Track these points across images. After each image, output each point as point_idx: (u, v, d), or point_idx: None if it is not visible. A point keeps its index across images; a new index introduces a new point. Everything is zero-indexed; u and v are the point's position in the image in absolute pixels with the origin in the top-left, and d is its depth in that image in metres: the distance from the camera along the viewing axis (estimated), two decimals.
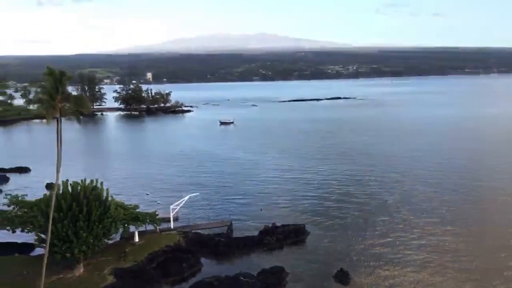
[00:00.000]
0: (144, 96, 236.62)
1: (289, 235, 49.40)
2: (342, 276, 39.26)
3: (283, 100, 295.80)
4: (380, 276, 40.13)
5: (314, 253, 45.99)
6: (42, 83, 37.94)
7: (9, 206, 47.68)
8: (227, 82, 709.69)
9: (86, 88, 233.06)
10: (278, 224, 51.58)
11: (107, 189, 43.16)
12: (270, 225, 51.34)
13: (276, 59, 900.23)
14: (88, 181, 42.66)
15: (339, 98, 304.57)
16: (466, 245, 46.68)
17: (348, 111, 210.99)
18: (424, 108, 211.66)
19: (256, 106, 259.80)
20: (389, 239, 48.50)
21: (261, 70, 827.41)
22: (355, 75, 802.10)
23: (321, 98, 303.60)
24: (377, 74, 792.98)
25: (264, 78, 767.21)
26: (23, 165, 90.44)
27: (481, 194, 64.71)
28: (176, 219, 53.99)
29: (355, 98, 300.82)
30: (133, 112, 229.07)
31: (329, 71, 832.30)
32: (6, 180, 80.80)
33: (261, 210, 59.85)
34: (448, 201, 61.49)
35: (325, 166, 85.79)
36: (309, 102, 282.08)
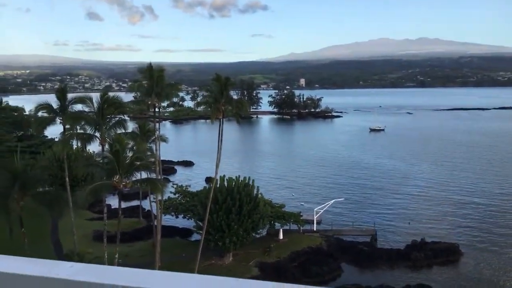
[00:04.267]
0: (296, 101, 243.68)
1: (439, 253, 45.92)
2: None
3: (442, 108, 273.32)
4: None
5: (467, 276, 41.92)
6: (209, 87, 42.49)
7: (175, 194, 54.50)
8: (380, 88, 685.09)
9: (245, 93, 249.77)
10: (428, 240, 48.33)
11: (257, 187, 46.14)
12: (419, 240, 48.40)
13: (436, 65, 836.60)
14: (241, 178, 46.16)
15: (509, 108, 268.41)
16: None
17: None
18: None
19: (411, 114, 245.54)
20: None
21: (418, 76, 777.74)
22: None
23: (487, 107, 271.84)
24: None
25: (422, 84, 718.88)
26: (188, 160, 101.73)
27: None
28: (319, 222, 54.67)
29: None
30: (285, 116, 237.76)
31: (500, 78, 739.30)
32: (173, 171, 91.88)
33: (409, 223, 56.73)
34: None
35: (484, 182, 76.93)
36: (472, 111, 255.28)
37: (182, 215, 51.66)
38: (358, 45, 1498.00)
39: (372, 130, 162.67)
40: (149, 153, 45.52)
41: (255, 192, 45.52)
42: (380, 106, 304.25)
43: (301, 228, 51.90)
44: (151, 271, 2.08)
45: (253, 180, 46.67)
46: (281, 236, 49.63)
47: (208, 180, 72.54)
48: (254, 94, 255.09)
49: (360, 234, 52.31)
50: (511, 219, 57.16)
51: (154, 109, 44.69)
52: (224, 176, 46.12)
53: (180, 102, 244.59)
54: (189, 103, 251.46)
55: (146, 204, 61.52)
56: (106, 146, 37.65)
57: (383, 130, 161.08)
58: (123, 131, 42.58)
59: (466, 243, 48.97)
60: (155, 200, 46.70)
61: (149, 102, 42.90)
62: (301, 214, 52.82)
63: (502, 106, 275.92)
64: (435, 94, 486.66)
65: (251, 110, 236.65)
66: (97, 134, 40.18)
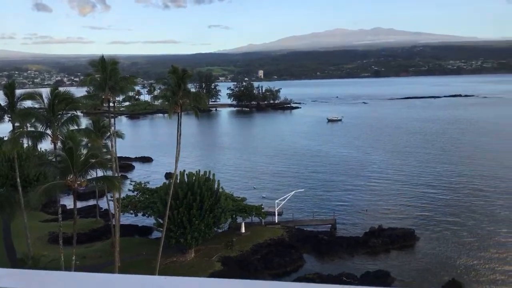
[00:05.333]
0: (255, 93, 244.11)
1: (396, 239, 47.46)
2: (454, 287, 36.63)
3: (396, 97, 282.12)
4: None
5: (423, 260, 43.58)
6: (166, 80, 41.57)
7: (133, 192, 53.26)
8: (336, 79, 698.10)
9: (204, 85, 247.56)
10: (385, 226, 49.82)
11: (218, 181, 45.82)
12: (376, 227, 49.81)
13: (390, 55, 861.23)
14: (202, 173, 45.69)
15: (459, 95, 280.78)
16: None
17: (468, 110, 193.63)
18: None
19: (367, 103, 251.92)
20: (509, 251, 43.88)
21: (373, 66, 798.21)
22: (479, 70, 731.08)
23: (438, 95, 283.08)
24: (506, 69, 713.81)
25: (377, 74, 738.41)
26: (146, 155, 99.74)
27: None
28: (280, 213, 55.15)
29: (478, 96, 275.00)
30: (244, 108, 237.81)
31: (449, 66, 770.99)
32: (131, 168, 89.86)
33: (366, 211, 58.31)
34: None
35: (437, 169, 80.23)
36: (425, 99, 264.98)
37: (142, 213, 50.61)
38: (315, 36, 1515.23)
39: (330, 120, 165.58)
40: (104, 150, 44.16)
41: (216, 186, 45.21)
42: (337, 97, 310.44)
43: (263, 220, 52.16)
44: (87, 274, 1.89)
45: (213, 174, 46.33)
46: (243, 230, 49.71)
47: (168, 175, 71.48)
48: (213, 87, 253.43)
49: (320, 224, 53.22)
50: (464, 204, 59.82)
51: (109, 104, 43.30)
52: (184, 171, 45.47)
53: (136, 96, 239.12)
54: (145, 97, 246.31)
55: (103, 203, 59.95)
56: (59, 144, 36.09)
57: (340, 120, 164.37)
58: (76, 127, 41.09)
59: (421, 228, 50.89)
60: (112, 198, 45.44)
61: (103, 97, 41.47)
62: (263, 206, 53.05)
63: (452, 94, 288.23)
64: (389, 83, 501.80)
65: (210, 103, 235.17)
66: (49, 131, 38.64)
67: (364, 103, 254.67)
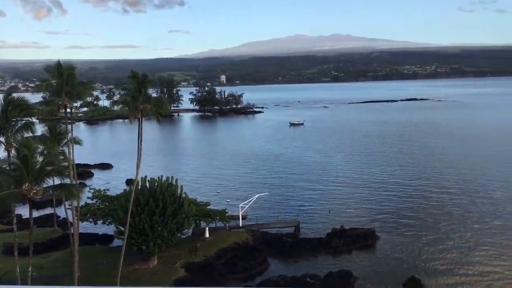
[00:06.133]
0: (217, 98, 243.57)
1: (357, 239, 48.48)
2: (413, 284, 37.78)
3: (355, 101, 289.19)
4: (454, 286, 38.11)
5: (383, 258, 44.73)
6: (126, 85, 40.81)
7: (92, 199, 51.80)
8: (297, 84, 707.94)
9: (165, 91, 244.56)
10: (347, 227, 50.81)
11: (181, 186, 45.33)
12: (338, 227, 50.73)
13: (349, 60, 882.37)
14: (164, 178, 45.06)
15: (415, 99, 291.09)
16: None
17: (423, 113, 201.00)
18: (508, 111, 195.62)
19: (327, 107, 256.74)
20: (464, 247, 45.84)
21: (333, 71, 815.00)
22: (433, 75, 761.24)
23: (395, 99, 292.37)
24: (458, 74, 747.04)
25: (336, 79, 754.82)
26: (106, 162, 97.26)
27: None
28: (244, 217, 55.18)
29: (432, 99, 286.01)
30: (207, 113, 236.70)
31: (405, 71, 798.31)
32: (90, 175, 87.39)
33: (329, 212, 59.31)
34: None
35: (396, 170, 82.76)
36: (382, 103, 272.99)
37: (102, 221, 49.25)
38: (276, 41, 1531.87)
39: (292, 124, 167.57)
40: (61, 157, 42.77)
41: (179, 191, 44.70)
42: (299, 101, 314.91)
43: (227, 224, 52.01)
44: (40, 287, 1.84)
45: (176, 180, 45.81)
46: (207, 235, 49.37)
47: (129, 182, 70.08)
48: (174, 92, 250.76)
49: (284, 226, 53.63)
50: (421, 204, 61.90)
51: (65, 110, 42.01)
52: (145, 177, 44.71)
53: (95, 102, 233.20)
54: (104, 103, 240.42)
55: (61, 212, 58.01)
56: (13, 152, 34.66)
57: (302, 124, 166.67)
58: (31, 134, 39.62)
59: (382, 228, 52.26)
60: (70, 206, 44.00)
61: (60, 103, 40.18)
62: (227, 210, 52.91)
63: (409, 97, 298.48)
64: (349, 88, 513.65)
65: (172, 108, 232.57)
66: (2, 139, 37.07)
67: (325, 107, 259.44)
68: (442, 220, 54.38)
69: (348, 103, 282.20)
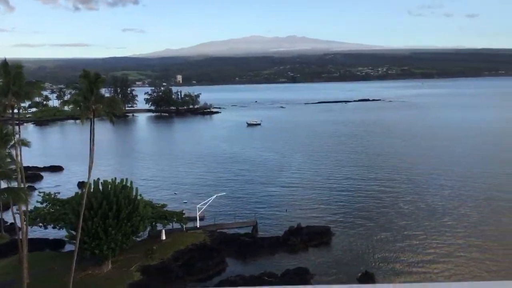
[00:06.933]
0: (174, 98, 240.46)
1: (314, 237, 49.36)
2: (367, 278, 38.94)
3: (311, 102, 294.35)
4: (406, 278, 39.61)
5: (339, 255, 45.82)
6: (77, 85, 39.48)
7: (42, 203, 49.68)
8: (255, 84, 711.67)
9: (119, 90, 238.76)
10: (303, 225, 51.61)
11: (136, 188, 44.33)
12: (295, 226, 51.43)
13: (305, 61, 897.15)
14: (118, 180, 43.92)
15: (367, 100, 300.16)
16: (496, 246, 45.42)
17: (376, 113, 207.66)
18: (454, 111, 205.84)
19: (284, 107, 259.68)
20: (416, 241, 47.77)
21: (289, 73, 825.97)
22: (385, 77, 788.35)
23: (349, 100, 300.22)
24: (408, 76, 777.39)
25: (293, 80, 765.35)
26: (57, 164, 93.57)
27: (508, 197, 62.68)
28: (202, 218, 54.79)
29: (384, 100, 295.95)
30: (162, 114, 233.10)
31: (358, 73, 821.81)
32: (40, 178, 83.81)
33: (286, 211, 60.02)
34: (474, 204, 59.82)
35: (352, 169, 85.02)
36: (337, 104, 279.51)
37: (52, 225, 47.34)
38: (233, 42, 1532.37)
39: (249, 124, 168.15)
40: (8, 159, 40.71)
41: (133, 194, 43.71)
42: (256, 101, 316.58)
43: (184, 226, 51.45)
44: None
45: (131, 182, 44.77)
46: (163, 237, 48.61)
47: (81, 185, 67.76)
48: (129, 92, 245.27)
49: (242, 226, 53.73)
50: (375, 201, 63.88)
51: (13, 111, 40.21)
52: (98, 179, 43.39)
53: (44, 102, 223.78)
54: (54, 103, 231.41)
55: (8, 217, 55.32)
56: None
57: (259, 124, 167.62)
58: None
59: (337, 225, 53.50)
60: (18, 211, 42.00)
61: (6, 103, 38.39)
62: (184, 212, 52.33)
63: (362, 98, 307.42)
64: (305, 88, 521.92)
65: (126, 108, 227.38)
66: None
67: (282, 107, 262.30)
68: (394, 217, 56.36)
69: (305, 103, 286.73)
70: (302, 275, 39.95)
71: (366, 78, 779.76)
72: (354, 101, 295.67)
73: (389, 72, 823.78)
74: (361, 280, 38.75)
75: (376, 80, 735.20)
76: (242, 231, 52.28)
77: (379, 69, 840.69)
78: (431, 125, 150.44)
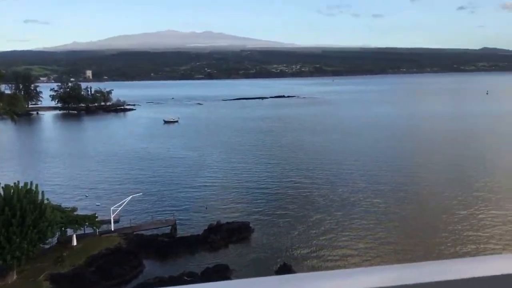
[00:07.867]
0: (83, 95, 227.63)
1: (233, 233, 49.70)
2: (284, 270, 40.09)
3: (228, 98, 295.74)
4: (322, 269, 41.44)
5: (258, 249, 46.65)
6: None
7: None
8: (171, 80, 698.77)
9: (21, 87, 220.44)
10: (223, 222, 51.74)
11: (42, 192, 41.35)
12: (215, 223, 51.40)
13: (221, 58, 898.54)
14: (22, 184, 40.61)
15: (282, 96, 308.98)
16: (407, 239, 49.30)
17: (291, 109, 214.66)
18: (362, 106, 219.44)
19: (201, 104, 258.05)
20: (332, 235, 50.13)
21: (206, 69, 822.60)
22: (298, 74, 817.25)
23: (265, 96, 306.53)
24: (319, 73, 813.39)
25: (210, 76, 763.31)
26: None
27: (418, 191, 68.39)
28: (117, 221, 52.54)
29: (298, 96, 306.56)
30: (71, 111, 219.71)
31: (274, 70, 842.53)
32: None
33: (205, 208, 59.72)
34: (389, 198, 64.29)
35: (269, 164, 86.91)
36: (253, 100, 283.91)
37: None
38: (147, 36, 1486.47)
39: (166, 122, 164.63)
40: None
41: (40, 198, 40.66)
42: (173, 98, 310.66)
43: (97, 230, 48.99)
44: None
45: (36, 185, 41.55)
46: (74, 243, 45.87)
47: None
48: (32, 88, 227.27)
49: (160, 226, 52.49)
50: (292, 196, 65.78)
51: None
52: None
53: None
54: None
55: None
56: None
57: (177, 121, 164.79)
58: None
59: (256, 221, 54.33)
60: None
61: None
62: (97, 215, 49.79)
63: (277, 95, 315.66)
64: (222, 85, 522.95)
65: (30, 106, 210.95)
66: None
67: (199, 104, 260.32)
68: (310, 210, 58.60)
69: (222, 100, 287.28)
70: (222, 271, 40.09)
71: (281, 75, 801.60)
72: (270, 97, 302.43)
73: (303, 69, 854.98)
74: (279, 272, 39.84)
75: (291, 77, 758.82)
76: (160, 231, 51.09)
77: (293, 66, 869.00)
78: (342, 121, 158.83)
